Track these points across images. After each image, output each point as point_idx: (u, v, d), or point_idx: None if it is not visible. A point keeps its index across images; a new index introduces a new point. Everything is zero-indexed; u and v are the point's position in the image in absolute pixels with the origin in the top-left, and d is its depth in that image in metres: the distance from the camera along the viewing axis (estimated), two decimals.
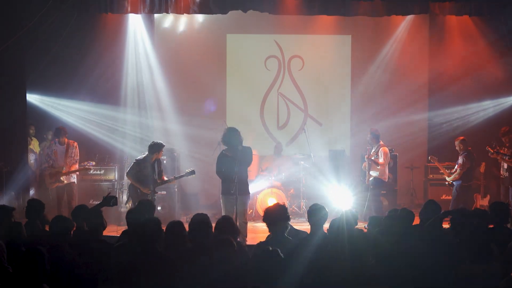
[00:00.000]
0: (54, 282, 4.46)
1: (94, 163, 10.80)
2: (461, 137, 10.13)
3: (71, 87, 11.28)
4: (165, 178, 8.88)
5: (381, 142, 10.04)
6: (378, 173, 9.89)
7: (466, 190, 10.00)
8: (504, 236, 5.62)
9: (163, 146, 8.88)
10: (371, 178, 9.99)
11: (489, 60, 11.49)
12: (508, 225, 6.12)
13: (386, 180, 10.14)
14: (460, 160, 9.91)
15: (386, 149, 9.91)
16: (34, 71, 10.54)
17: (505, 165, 10.28)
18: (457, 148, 10.05)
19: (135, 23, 12.00)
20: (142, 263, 4.61)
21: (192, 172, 9.01)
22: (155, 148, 8.73)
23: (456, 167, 10.02)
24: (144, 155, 8.78)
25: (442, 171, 10.36)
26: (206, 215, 5.74)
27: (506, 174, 10.26)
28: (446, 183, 10.23)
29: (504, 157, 10.13)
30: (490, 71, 11.54)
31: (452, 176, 10.00)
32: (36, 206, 6.39)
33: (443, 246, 5.14)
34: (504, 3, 10.07)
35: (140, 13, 11.29)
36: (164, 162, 10.64)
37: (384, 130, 10.39)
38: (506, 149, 10.25)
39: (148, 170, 8.64)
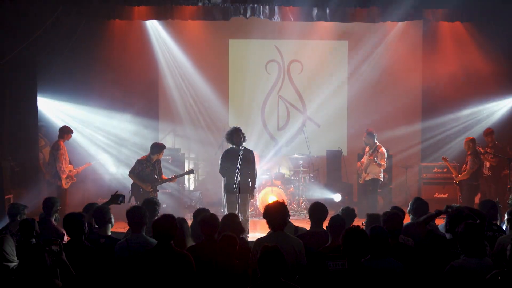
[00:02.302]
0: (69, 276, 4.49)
1: (93, 163, 10.71)
2: (470, 137, 9.96)
3: (79, 91, 11.29)
4: (165, 177, 8.92)
5: (378, 143, 9.98)
6: (376, 172, 9.85)
7: (475, 189, 9.85)
8: (493, 232, 5.66)
9: (164, 147, 8.95)
10: (369, 178, 9.91)
11: (480, 64, 11.48)
12: (498, 222, 6.15)
13: (382, 180, 10.13)
14: (469, 160, 9.77)
15: (384, 149, 9.87)
16: (45, 75, 10.56)
17: (488, 164, 10.30)
18: (465, 147, 9.87)
19: (141, 29, 12.02)
20: (156, 259, 4.56)
21: (191, 171, 9.06)
22: (157, 148, 8.78)
23: (465, 166, 9.89)
24: (146, 155, 8.83)
25: (451, 171, 10.21)
26: (208, 210, 5.82)
27: (489, 173, 10.28)
28: (455, 182, 10.14)
29: (487, 156, 10.16)
30: (481, 74, 11.54)
31: (461, 175, 9.90)
32: (53, 203, 6.42)
33: (437, 241, 5.16)
34: (494, 10, 10.06)
35: (147, 20, 11.34)
36: (170, 161, 10.69)
37: (379, 131, 10.38)
38: (488, 149, 10.28)
39: (149, 170, 8.69)
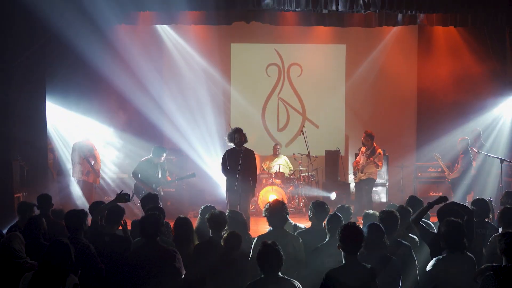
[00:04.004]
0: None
1: None
2: (464, 137, 9.93)
3: (83, 93, 11.22)
4: (169, 179, 8.93)
5: (375, 144, 9.94)
6: (372, 172, 9.83)
7: (467, 188, 9.77)
8: (486, 230, 5.67)
9: (166, 150, 8.99)
10: (364, 177, 9.86)
11: (474, 67, 11.47)
12: (491, 220, 6.15)
13: (377, 179, 10.11)
14: (461, 159, 9.75)
15: (381, 151, 9.85)
16: (53, 78, 10.53)
17: (474, 164, 10.29)
18: (458, 146, 9.87)
19: (144, 33, 11.97)
20: (144, 255, 4.65)
21: (193, 175, 9.06)
22: (158, 151, 8.81)
23: (457, 165, 9.88)
24: (148, 157, 8.84)
25: (443, 169, 10.18)
26: (214, 207, 5.85)
27: (475, 172, 10.27)
28: (447, 180, 10.12)
29: (475, 156, 10.15)
30: (474, 77, 11.53)
31: (453, 174, 9.88)
32: (48, 199, 6.43)
33: (427, 238, 5.15)
34: (487, 15, 10.05)
35: (151, 25, 11.33)
36: (173, 161, 10.69)
37: (376, 132, 10.37)
38: (476, 149, 10.28)
39: (151, 171, 8.69)
